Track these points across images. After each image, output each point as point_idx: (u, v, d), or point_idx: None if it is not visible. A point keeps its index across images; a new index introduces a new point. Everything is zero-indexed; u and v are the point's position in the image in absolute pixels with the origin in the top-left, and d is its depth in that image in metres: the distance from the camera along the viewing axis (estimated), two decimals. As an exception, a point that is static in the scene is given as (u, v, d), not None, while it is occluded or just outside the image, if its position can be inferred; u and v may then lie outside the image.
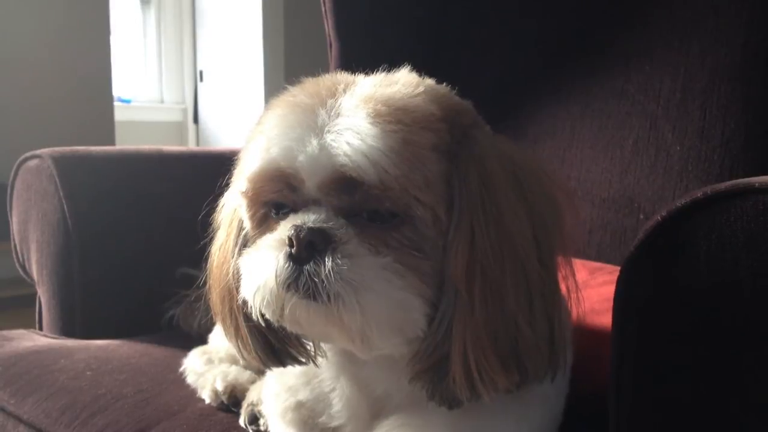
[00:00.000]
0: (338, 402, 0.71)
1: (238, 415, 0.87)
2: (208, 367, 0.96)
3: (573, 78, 1.24)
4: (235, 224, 0.69)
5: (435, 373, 0.61)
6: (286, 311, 0.61)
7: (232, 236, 0.69)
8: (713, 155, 1.06)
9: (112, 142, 3.61)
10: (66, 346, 1.12)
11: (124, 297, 1.28)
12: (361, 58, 1.49)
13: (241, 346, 0.70)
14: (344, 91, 0.62)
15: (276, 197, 0.63)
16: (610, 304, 0.59)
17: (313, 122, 0.60)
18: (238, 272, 0.65)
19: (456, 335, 0.59)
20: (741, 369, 0.52)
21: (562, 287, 0.65)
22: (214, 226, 0.73)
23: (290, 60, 4.55)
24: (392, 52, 1.51)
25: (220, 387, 0.90)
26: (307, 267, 0.59)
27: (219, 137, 4.82)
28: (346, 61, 1.49)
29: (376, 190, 0.58)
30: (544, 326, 0.61)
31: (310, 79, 0.68)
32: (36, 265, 1.28)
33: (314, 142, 0.59)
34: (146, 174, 1.36)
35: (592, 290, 0.93)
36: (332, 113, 0.60)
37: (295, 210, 0.62)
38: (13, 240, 1.33)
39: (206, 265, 0.73)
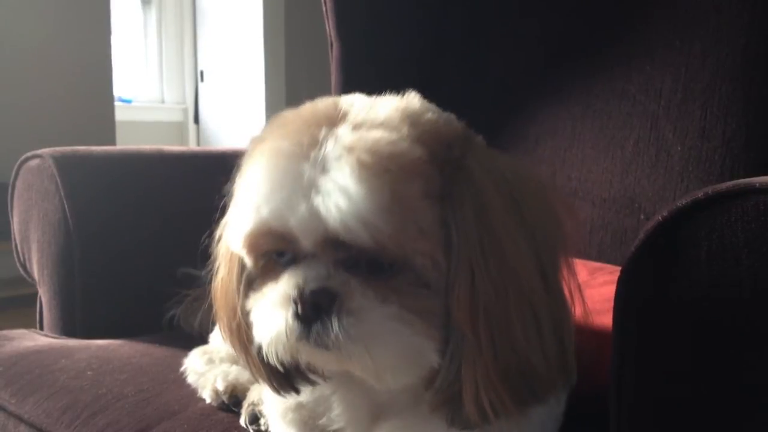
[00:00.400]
0: (338, 405, 0.71)
1: (238, 414, 0.87)
2: (209, 366, 0.96)
3: (574, 78, 1.24)
4: (235, 261, 0.68)
5: (453, 404, 0.61)
6: (301, 357, 0.62)
7: (234, 274, 0.68)
8: (714, 155, 1.06)
9: (112, 142, 3.61)
10: (67, 346, 1.12)
11: (125, 297, 1.28)
12: (361, 59, 1.50)
13: (254, 372, 0.71)
14: (327, 136, 0.60)
15: (274, 248, 0.63)
16: (611, 304, 0.59)
17: (299, 179, 0.58)
18: (246, 313, 0.66)
19: (466, 375, 0.59)
20: (741, 369, 0.52)
21: (564, 290, 0.65)
22: (213, 255, 0.73)
23: (291, 60, 4.55)
24: (393, 52, 1.52)
25: (220, 387, 0.90)
26: (314, 327, 0.59)
27: (220, 137, 4.82)
28: (346, 62, 1.49)
29: (370, 249, 0.58)
30: (555, 348, 0.61)
31: (290, 114, 0.66)
32: (37, 264, 1.28)
33: (303, 205, 0.57)
34: (147, 174, 1.36)
35: (592, 290, 0.93)
36: (317, 165, 0.58)
37: (296, 256, 0.62)
38: (14, 240, 1.33)
39: (210, 285, 0.73)
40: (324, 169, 0.58)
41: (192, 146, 4.85)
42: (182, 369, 0.99)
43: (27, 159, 1.30)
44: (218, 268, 0.71)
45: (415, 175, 0.59)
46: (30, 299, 1.44)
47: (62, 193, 1.22)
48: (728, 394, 0.53)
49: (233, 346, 0.71)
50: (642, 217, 1.12)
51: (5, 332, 1.20)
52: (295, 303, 0.60)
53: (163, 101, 4.91)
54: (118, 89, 4.05)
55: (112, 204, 1.29)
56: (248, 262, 0.65)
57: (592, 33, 1.23)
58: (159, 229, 1.32)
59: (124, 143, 3.69)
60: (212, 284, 0.73)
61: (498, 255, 0.59)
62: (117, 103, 3.86)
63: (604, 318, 0.68)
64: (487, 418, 0.59)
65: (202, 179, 1.35)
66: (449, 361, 0.60)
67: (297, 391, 0.69)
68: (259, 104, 4.54)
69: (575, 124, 1.23)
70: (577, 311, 0.67)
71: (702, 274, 0.52)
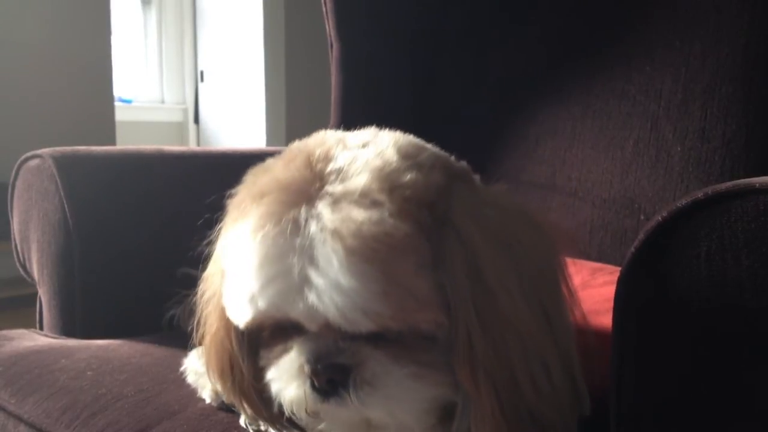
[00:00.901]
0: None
1: (238, 414, 0.86)
2: (209, 367, 0.96)
3: (574, 78, 1.24)
4: (227, 320, 0.67)
5: None
6: (323, 414, 0.64)
7: (233, 335, 0.68)
8: (714, 156, 1.06)
9: (112, 142, 3.61)
10: (66, 346, 1.12)
11: (125, 297, 1.28)
12: (361, 59, 1.50)
13: (256, 416, 0.72)
14: (308, 217, 0.58)
15: (278, 325, 0.63)
16: (611, 304, 0.59)
17: (290, 273, 0.57)
18: (251, 368, 0.68)
19: (474, 424, 0.60)
20: (741, 369, 0.52)
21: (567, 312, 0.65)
22: (199, 297, 0.73)
23: (291, 61, 4.56)
24: (393, 53, 1.52)
25: (220, 387, 0.90)
26: (333, 398, 0.61)
27: (220, 137, 4.82)
28: (346, 62, 1.49)
29: (373, 331, 0.58)
30: (567, 384, 0.61)
31: (265, 179, 0.64)
32: (37, 264, 1.28)
33: (299, 300, 0.57)
34: (147, 174, 1.36)
35: (592, 291, 0.93)
36: (305, 253, 0.57)
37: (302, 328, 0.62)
38: (14, 240, 1.33)
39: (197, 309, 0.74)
40: (311, 258, 0.57)
41: (192, 146, 4.85)
42: (182, 369, 0.99)
43: (27, 159, 1.30)
44: (208, 318, 0.71)
45: (405, 251, 0.58)
46: (30, 299, 1.44)
47: (62, 193, 1.22)
48: (728, 395, 0.53)
49: (230, 393, 0.72)
50: (642, 217, 1.12)
51: (5, 332, 1.20)
52: (310, 377, 0.61)
53: (163, 101, 4.91)
54: (118, 89, 4.05)
55: (113, 204, 1.29)
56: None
57: (592, 33, 1.23)
58: (159, 229, 1.32)
59: (124, 143, 3.69)
60: (197, 330, 0.73)
61: (493, 311, 0.59)
62: (117, 103, 3.86)
63: (604, 318, 0.68)
64: None
65: (203, 179, 1.35)
66: (463, 405, 0.61)
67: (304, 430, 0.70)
68: (260, 105, 4.54)
69: (575, 124, 1.23)
70: (577, 315, 0.67)
71: (702, 275, 0.52)
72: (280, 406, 0.67)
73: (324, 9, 1.50)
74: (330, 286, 0.56)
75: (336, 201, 0.59)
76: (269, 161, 0.69)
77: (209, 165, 1.41)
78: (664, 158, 1.11)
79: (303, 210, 0.59)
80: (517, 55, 1.35)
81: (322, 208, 0.58)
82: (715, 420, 0.53)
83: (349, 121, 1.56)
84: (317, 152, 0.63)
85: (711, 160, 1.06)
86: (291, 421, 0.69)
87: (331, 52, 1.51)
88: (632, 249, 0.56)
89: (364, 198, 0.58)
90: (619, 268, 0.58)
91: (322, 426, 0.71)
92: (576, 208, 1.21)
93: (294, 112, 4.61)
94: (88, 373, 1.00)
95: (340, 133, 0.69)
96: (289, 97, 4.59)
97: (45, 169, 1.25)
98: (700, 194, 0.53)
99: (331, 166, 0.62)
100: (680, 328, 0.54)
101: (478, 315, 0.58)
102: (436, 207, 0.60)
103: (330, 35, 1.51)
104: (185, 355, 1.01)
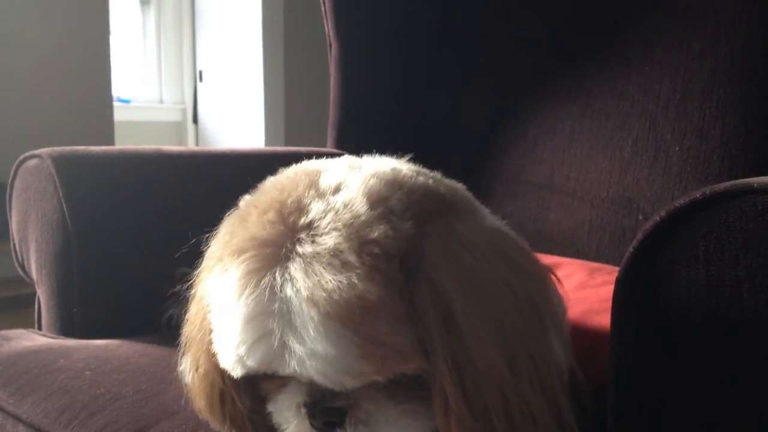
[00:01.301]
0: None
1: (237, 414, 0.87)
2: (207, 366, 0.97)
3: (573, 78, 1.24)
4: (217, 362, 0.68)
5: None
6: None
7: (225, 375, 0.68)
8: (712, 156, 1.06)
9: (111, 142, 3.61)
10: (65, 346, 1.12)
11: (124, 297, 1.28)
12: (360, 59, 1.50)
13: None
14: (282, 280, 0.59)
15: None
16: (609, 304, 0.59)
17: (271, 339, 0.59)
18: (248, 396, 0.69)
19: None
20: (740, 369, 0.52)
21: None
22: (185, 330, 0.75)
23: (290, 60, 4.56)
24: (392, 52, 1.52)
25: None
26: None
27: (218, 137, 4.82)
28: (345, 62, 1.49)
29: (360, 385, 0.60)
30: (552, 423, 0.61)
31: (239, 231, 0.65)
32: (35, 264, 1.28)
33: (284, 364, 0.59)
34: (146, 174, 1.35)
35: (591, 290, 0.93)
36: (283, 320, 0.58)
37: None
38: (13, 240, 1.33)
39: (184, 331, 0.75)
40: (290, 324, 0.58)
41: (191, 146, 4.84)
42: (180, 369, 0.99)
43: (25, 159, 1.29)
44: (192, 357, 0.73)
45: (378, 312, 0.58)
46: (28, 299, 1.44)
47: (61, 193, 1.22)
48: (726, 395, 0.53)
49: (221, 424, 0.73)
50: (640, 217, 1.12)
51: (3, 332, 1.20)
52: (308, 418, 0.63)
53: (161, 101, 4.90)
54: (117, 89, 4.05)
55: (111, 204, 1.28)
56: None
57: (591, 33, 1.23)
58: (158, 229, 1.32)
59: (123, 143, 3.68)
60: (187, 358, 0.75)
61: (468, 362, 0.58)
62: (116, 103, 3.85)
63: (603, 318, 0.68)
64: None
65: (202, 179, 1.35)
66: None
67: None
68: (258, 105, 4.54)
69: (574, 124, 1.23)
70: (582, 308, 0.67)
71: (700, 275, 0.52)
72: None
73: (323, 9, 1.50)
74: (309, 355, 0.57)
75: (308, 263, 0.59)
76: (243, 207, 0.69)
77: (208, 165, 1.41)
78: (663, 158, 1.11)
79: (278, 273, 0.59)
80: (516, 55, 1.35)
81: (295, 271, 0.59)
82: (713, 420, 0.53)
83: (348, 121, 1.56)
84: (289, 202, 0.64)
85: (709, 160, 1.06)
86: None
87: (330, 52, 1.51)
88: (630, 249, 0.56)
89: (334, 259, 0.58)
90: (617, 268, 0.58)
91: None
92: (574, 208, 1.21)
93: (293, 113, 4.61)
94: (87, 373, 1.00)
95: (312, 168, 0.69)
96: (288, 98, 4.59)
97: (43, 169, 1.25)
98: (698, 194, 0.53)
99: (303, 220, 0.62)
100: (678, 328, 0.54)
101: (451, 366, 0.58)
102: (407, 259, 0.60)
103: (329, 35, 1.51)
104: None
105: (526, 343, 0.60)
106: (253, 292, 0.59)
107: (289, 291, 0.58)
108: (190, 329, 0.74)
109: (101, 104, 3.61)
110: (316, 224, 0.61)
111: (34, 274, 1.30)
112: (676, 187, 1.09)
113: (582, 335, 0.76)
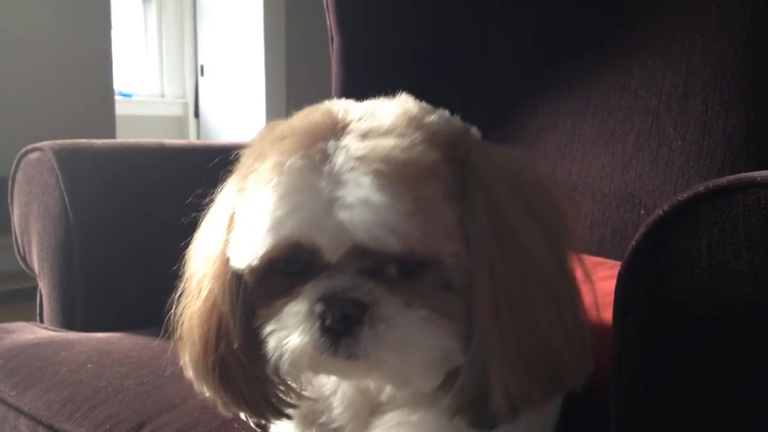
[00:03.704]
0: (339, 405, 0.71)
1: (239, 408, 0.87)
2: (209, 360, 0.96)
3: (575, 72, 1.24)
4: (226, 284, 0.66)
5: (476, 404, 0.61)
6: (324, 370, 0.62)
7: (227, 296, 0.66)
8: (715, 150, 1.06)
9: (112, 136, 3.61)
10: (67, 339, 1.12)
11: (125, 290, 1.28)
12: (362, 53, 1.50)
13: (224, 395, 0.69)
14: (335, 148, 0.59)
15: (293, 261, 0.61)
16: (611, 298, 0.59)
17: (319, 194, 0.57)
18: (243, 326, 0.65)
19: (493, 371, 0.59)
20: (742, 363, 0.52)
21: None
22: (185, 270, 0.72)
23: (291, 55, 4.55)
24: (394, 46, 1.51)
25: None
26: (344, 339, 0.58)
27: (220, 132, 4.81)
28: (347, 56, 1.49)
29: (399, 255, 0.58)
30: (577, 334, 0.61)
31: (283, 126, 0.65)
32: (37, 257, 1.28)
33: (328, 220, 0.57)
34: (148, 167, 1.36)
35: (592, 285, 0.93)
36: (333, 179, 0.57)
37: (312, 268, 0.61)
38: (14, 233, 1.33)
39: (178, 302, 0.72)
40: (340, 182, 0.57)
41: (192, 140, 4.84)
42: (182, 362, 0.99)
43: (27, 152, 1.29)
44: (192, 294, 0.70)
45: (433, 178, 0.59)
46: (30, 293, 1.44)
47: (62, 186, 1.22)
48: (729, 390, 0.53)
49: (208, 382, 0.69)
50: (642, 212, 1.12)
51: (5, 325, 1.20)
52: (322, 317, 0.59)
53: (163, 95, 4.90)
54: (119, 83, 4.04)
55: (113, 197, 1.29)
56: (250, 280, 0.64)
57: (593, 27, 1.23)
58: (159, 222, 1.32)
59: (125, 137, 3.67)
60: (180, 314, 0.71)
61: (515, 246, 0.59)
62: (117, 97, 3.85)
63: (605, 312, 0.68)
64: (516, 412, 0.59)
65: (203, 173, 1.35)
66: (472, 360, 0.60)
67: (281, 414, 0.69)
68: (260, 99, 4.53)
69: (576, 118, 1.23)
70: (588, 300, 0.67)
71: (703, 268, 0.52)
72: (267, 384, 0.65)
73: (325, 2, 1.50)
74: (360, 203, 0.56)
75: (364, 135, 0.60)
76: (266, 134, 0.68)
77: (209, 158, 1.41)
78: (665, 153, 1.11)
79: (330, 143, 0.59)
80: (517, 50, 1.35)
81: (349, 140, 0.59)
82: (716, 415, 0.53)
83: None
84: (333, 107, 0.65)
85: (712, 154, 1.06)
86: (278, 399, 0.67)
87: (332, 45, 1.51)
88: (633, 242, 0.56)
89: (389, 132, 0.60)
90: (619, 263, 0.58)
91: (323, 418, 0.71)
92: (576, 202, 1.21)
93: (294, 107, 4.60)
94: (89, 365, 1.00)
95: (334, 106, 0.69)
96: (290, 91, 4.58)
97: (45, 162, 1.25)
98: (701, 188, 0.53)
99: (351, 115, 0.63)
100: (681, 321, 0.54)
101: (500, 247, 0.59)
102: (458, 147, 0.62)
103: (330, 29, 1.51)
104: (185, 348, 1.02)
105: (556, 248, 0.62)
106: (300, 159, 0.59)
107: (342, 157, 0.58)
108: (188, 269, 0.72)
109: (103, 98, 3.61)
110: (367, 114, 0.62)
111: (35, 266, 1.30)
112: (678, 181, 1.08)
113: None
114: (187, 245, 0.77)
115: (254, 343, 0.65)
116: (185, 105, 4.95)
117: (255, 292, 0.65)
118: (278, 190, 0.58)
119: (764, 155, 1.03)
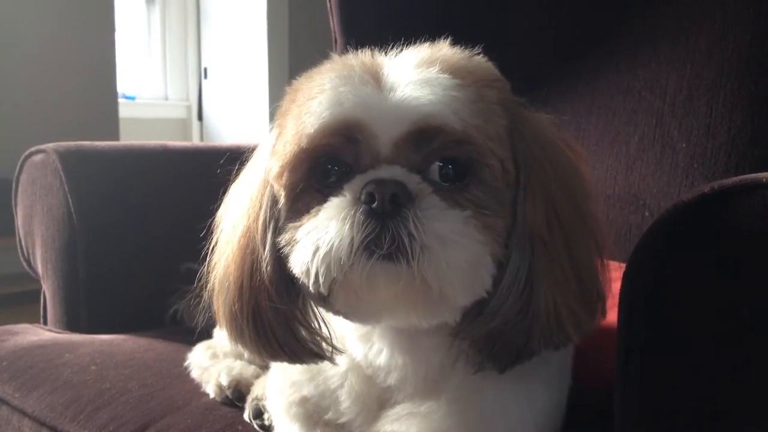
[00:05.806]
0: (347, 398, 0.71)
1: (242, 409, 0.87)
2: (213, 361, 0.96)
3: (579, 74, 1.24)
4: (262, 205, 0.65)
5: (494, 337, 0.61)
6: (356, 278, 0.57)
7: (261, 219, 0.64)
8: (719, 152, 1.06)
9: (116, 139, 3.62)
10: (71, 341, 1.12)
11: (129, 292, 1.28)
12: (366, 55, 1.50)
13: (257, 339, 0.66)
14: (389, 71, 0.61)
15: (334, 155, 0.60)
16: (616, 300, 0.59)
17: (379, 80, 0.60)
18: (274, 253, 0.63)
19: (538, 285, 0.60)
20: (747, 363, 0.52)
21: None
22: (217, 220, 0.71)
23: (294, 57, 4.55)
24: (398, 47, 1.51)
25: (224, 381, 0.90)
26: (391, 222, 0.56)
27: (223, 134, 4.82)
28: (351, 58, 1.49)
29: (456, 140, 0.58)
30: (599, 269, 0.64)
31: (323, 65, 0.66)
32: (41, 259, 1.28)
33: (392, 95, 0.58)
34: (151, 169, 1.36)
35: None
36: (393, 72, 0.60)
37: (350, 173, 0.60)
38: (18, 235, 1.33)
39: (208, 260, 0.70)
40: (404, 72, 0.60)
41: (196, 142, 4.85)
42: (186, 364, 0.99)
43: (31, 154, 1.30)
44: (228, 241, 0.68)
45: (490, 85, 0.63)
46: (34, 295, 1.44)
47: (66, 188, 1.23)
48: (733, 389, 0.52)
49: (241, 328, 0.66)
50: (646, 213, 1.12)
51: (9, 327, 1.20)
52: (368, 200, 0.56)
53: (166, 98, 4.91)
54: (122, 86, 4.05)
55: (116, 198, 1.29)
56: (283, 194, 0.62)
57: (598, 29, 1.23)
58: (162, 224, 1.32)
59: (128, 140, 3.69)
60: (213, 268, 0.69)
61: (560, 174, 0.63)
62: (121, 100, 3.86)
63: (610, 314, 0.68)
64: (563, 329, 0.61)
65: (206, 174, 1.35)
66: (509, 284, 0.60)
67: (301, 360, 0.67)
68: (263, 101, 4.54)
69: (580, 120, 1.23)
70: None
71: (707, 269, 0.52)
72: (298, 325, 0.64)
73: (329, 4, 1.50)
74: (425, 82, 0.58)
75: (416, 65, 0.61)
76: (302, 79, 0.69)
77: (213, 161, 1.41)
78: (669, 154, 1.10)
79: (384, 68, 0.62)
80: (521, 52, 1.35)
81: (403, 65, 0.62)
82: (721, 414, 0.53)
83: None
84: (366, 54, 0.66)
85: (716, 156, 1.06)
86: (310, 333, 0.65)
87: (336, 47, 1.51)
88: (639, 243, 0.56)
89: (444, 61, 0.62)
90: (624, 265, 0.58)
91: (329, 415, 0.71)
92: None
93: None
94: (92, 367, 1.00)
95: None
96: (293, 94, 4.59)
97: (49, 163, 1.25)
98: (706, 188, 0.53)
99: (393, 57, 0.65)
100: (686, 321, 0.53)
101: (550, 168, 0.62)
102: (502, 83, 0.66)
103: (334, 31, 1.51)
104: (189, 350, 1.02)
105: (584, 196, 0.65)
106: (356, 63, 0.62)
107: (397, 74, 0.60)
108: (228, 214, 0.69)
109: (106, 101, 3.62)
110: (414, 57, 0.64)
111: (39, 268, 1.30)
112: (682, 183, 1.08)
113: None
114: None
115: (285, 283, 0.64)
116: (188, 107, 4.96)
117: (290, 213, 0.62)
118: (339, 77, 0.61)
119: (769, 157, 1.03)
